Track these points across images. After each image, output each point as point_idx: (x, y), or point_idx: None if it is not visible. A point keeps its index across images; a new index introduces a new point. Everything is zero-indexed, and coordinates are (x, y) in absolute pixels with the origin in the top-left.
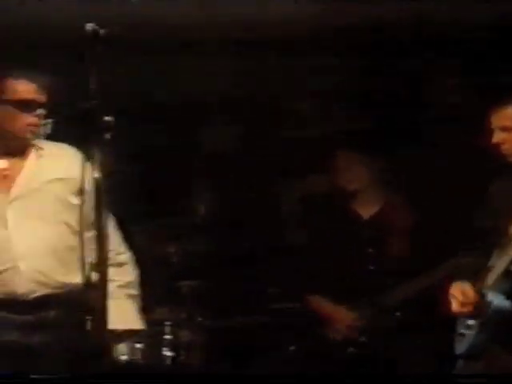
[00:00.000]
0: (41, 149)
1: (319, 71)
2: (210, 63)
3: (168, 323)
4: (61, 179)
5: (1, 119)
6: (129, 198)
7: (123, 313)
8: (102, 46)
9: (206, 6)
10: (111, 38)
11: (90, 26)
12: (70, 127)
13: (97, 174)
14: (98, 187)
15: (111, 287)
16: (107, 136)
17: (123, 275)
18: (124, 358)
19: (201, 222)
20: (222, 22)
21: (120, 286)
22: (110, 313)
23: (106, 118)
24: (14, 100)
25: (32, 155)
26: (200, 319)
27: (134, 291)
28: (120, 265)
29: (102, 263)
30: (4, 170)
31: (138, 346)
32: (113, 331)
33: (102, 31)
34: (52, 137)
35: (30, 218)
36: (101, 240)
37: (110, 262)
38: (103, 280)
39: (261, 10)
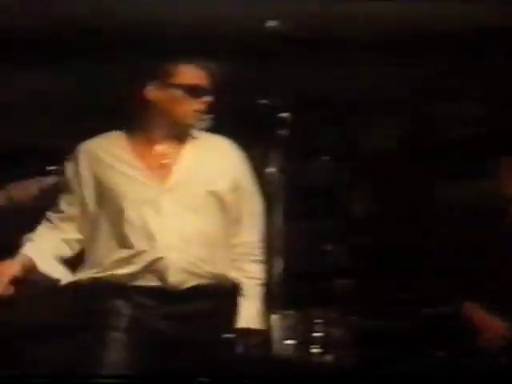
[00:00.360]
0: (197, 139)
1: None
2: (378, 63)
3: (319, 321)
4: (216, 172)
5: (168, 103)
6: (288, 195)
7: (253, 312)
8: (282, 43)
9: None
10: (292, 36)
11: (271, 23)
12: (246, 122)
13: (271, 170)
14: (272, 183)
15: (247, 283)
16: (281, 132)
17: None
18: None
19: (356, 222)
20: (388, 21)
21: (258, 284)
22: (242, 310)
23: (282, 115)
24: (183, 84)
25: (189, 144)
26: (352, 318)
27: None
28: (261, 262)
29: (268, 260)
30: (163, 157)
31: (289, 342)
32: (239, 329)
33: (282, 28)
34: (226, 130)
35: (183, 208)
36: (270, 236)
37: (253, 258)
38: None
39: (428, 10)
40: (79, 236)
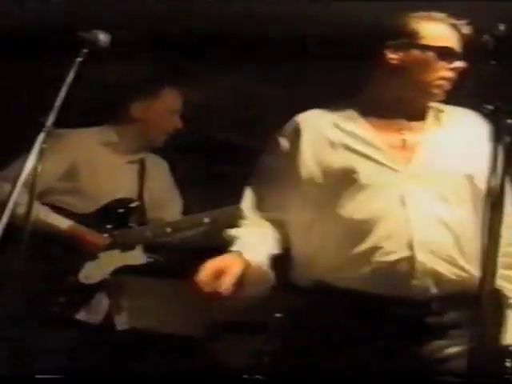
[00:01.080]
0: (441, 112)
1: None
2: None
3: None
4: (470, 152)
5: (411, 66)
6: None
7: None
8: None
9: None
10: None
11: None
12: None
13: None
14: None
15: None
16: (507, 139)
17: None
18: None
19: None
20: None
21: None
22: (509, 324)
23: (509, 121)
24: (430, 45)
25: (431, 120)
26: None
27: None
28: None
29: None
30: (404, 133)
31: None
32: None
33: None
34: None
35: (432, 197)
36: None
37: None
38: None
39: None
40: (286, 230)
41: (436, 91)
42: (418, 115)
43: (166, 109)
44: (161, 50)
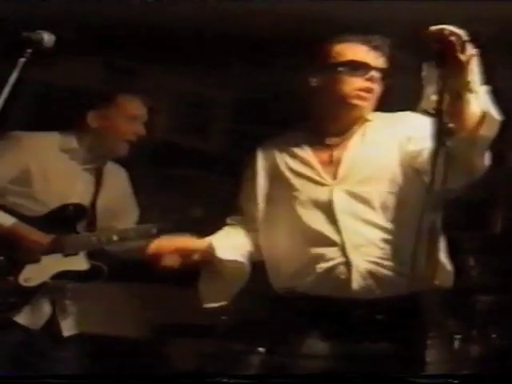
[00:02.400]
0: (368, 121)
1: None
2: None
3: (458, 336)
4: (390, 157)
5: (330, 84)
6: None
7: None
8: None
9: None
10: None
11: None
12: None
13: None
14: None
15: None
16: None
17: None
18: None
19: (500, 236)
20: None
21: None
22: None
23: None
24: (343, 62)
25: (356, 131)
26: (493, 336)
27: None
28: None
29: None
30: (333, 149)
31: None
32: None
33: None
34: None
35: (357, 207)
36: None
37: None
38: None
39: None
40: (258, 242)
41: (355, 102)
42: (346, 129)
43: (123, 116)
44: (108, 53)
